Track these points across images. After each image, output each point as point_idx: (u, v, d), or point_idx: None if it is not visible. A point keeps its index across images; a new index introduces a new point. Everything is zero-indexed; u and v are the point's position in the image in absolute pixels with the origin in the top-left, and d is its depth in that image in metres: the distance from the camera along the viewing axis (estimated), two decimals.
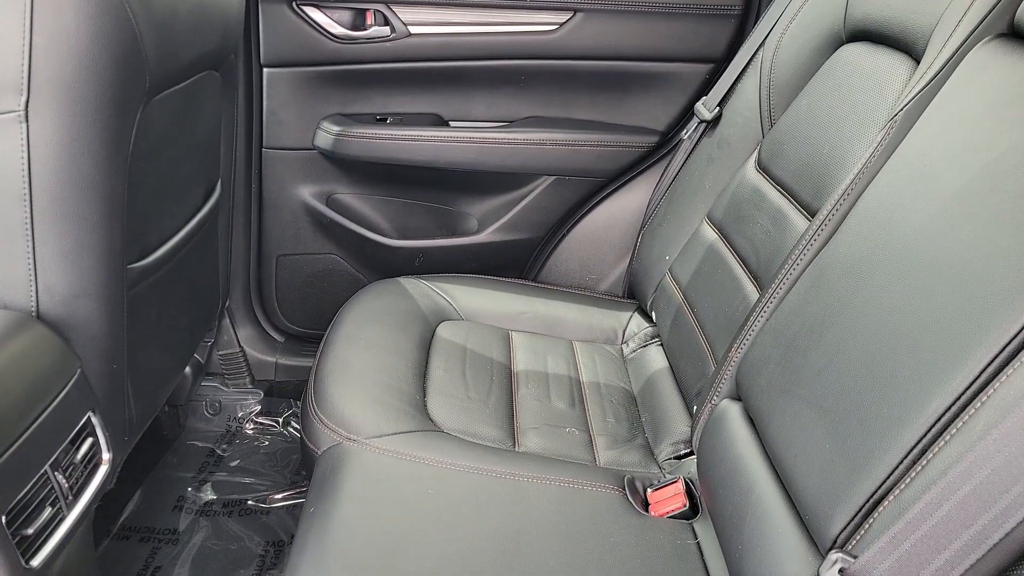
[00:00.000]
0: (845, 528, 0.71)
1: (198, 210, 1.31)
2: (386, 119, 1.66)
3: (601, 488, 1.07)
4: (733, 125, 1.43)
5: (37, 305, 0.93)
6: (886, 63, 1.09)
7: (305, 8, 1.55)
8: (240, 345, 1.78)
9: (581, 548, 0.95)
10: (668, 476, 1.13)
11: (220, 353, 1.77)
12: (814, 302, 0.90)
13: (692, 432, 1.11)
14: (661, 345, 1.45)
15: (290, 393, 1.81)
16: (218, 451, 1.71)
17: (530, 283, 1.68)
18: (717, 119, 1.48)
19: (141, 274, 1.09)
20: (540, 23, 1.57)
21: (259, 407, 1.80)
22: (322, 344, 1.32)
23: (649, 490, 1.10)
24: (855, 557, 0.67)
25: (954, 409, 0.65)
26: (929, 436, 0.67)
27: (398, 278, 1.53)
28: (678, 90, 1.63)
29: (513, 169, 1.67)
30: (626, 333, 1.56)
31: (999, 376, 0.63)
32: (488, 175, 1.69)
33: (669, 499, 1.08)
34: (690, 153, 1.52)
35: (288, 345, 1.83)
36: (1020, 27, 0.81)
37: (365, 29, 1.58)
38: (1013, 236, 0.68)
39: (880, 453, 0.70)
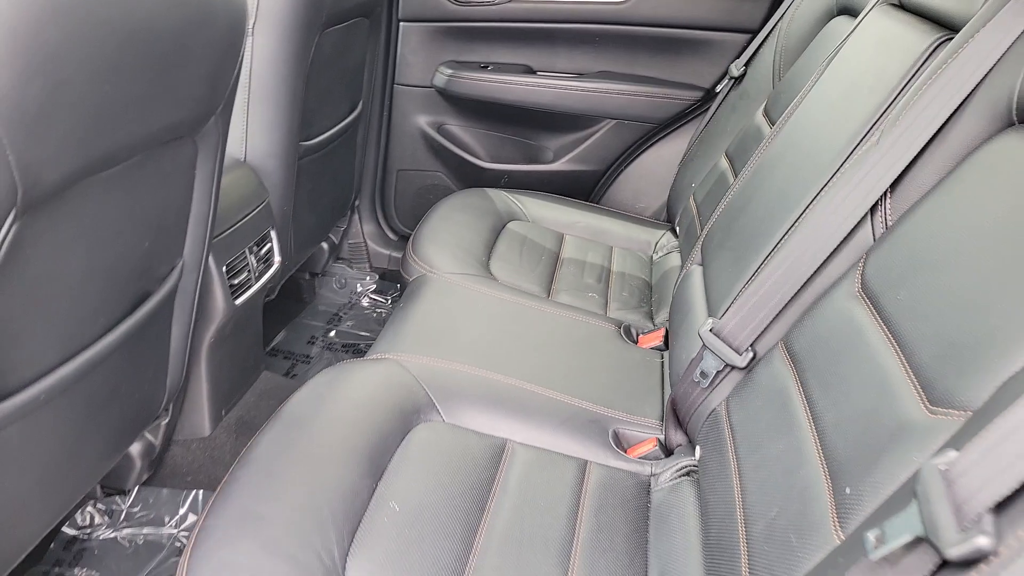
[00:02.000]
0: (726, 310, 1.11)
1: (344, 118, 1.83)
2: (487, 66, 2.12)
3: (605, 324, 1.50)
4: (753, 81, 1.80)
5: (245, 155, 1.46)
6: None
7: None
8: (364, 237, 2.31)
9: (583, 352, 1.39)
10: (656, 326, 1.55)
11: (349, 242, 2.31)
12: (749, 186, 1.29)
13: (672, 294, 1.52)
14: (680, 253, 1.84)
15: (399, 279, 2.33)
16: (341, 314, 2.25)
17: (588, 203, 2.11)
18: (743, 76, 1.85)
19: (306, 151, 1.62)
20: None
21: (374, 286, 2.33)
22: (423, 218, 1.80)
23: (640, 334, 1.52)
24: (720, 319, 1.07)
25: (790, 231, 1.05)
26: (774, 249, 1.06)
27: (485, 188, 2.00)
28: (722, 55, 2.00)
29: (583, 112, 2.10)
30: (657, 246, 1.96)
31: (810, 207, 1.02)
32: (563, 116, 2.12)
33: (652, 338, 1.50)
34: (720, 103, 1.89)
35: (399, 242, 2.35)
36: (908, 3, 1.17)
37: None
38: (846, 129, 1.05)
39: (751, 265, 1.10)
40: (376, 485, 1.00)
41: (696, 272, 1.40)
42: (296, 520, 0.89)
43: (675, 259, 1.83)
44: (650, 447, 1.20)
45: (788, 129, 1.26)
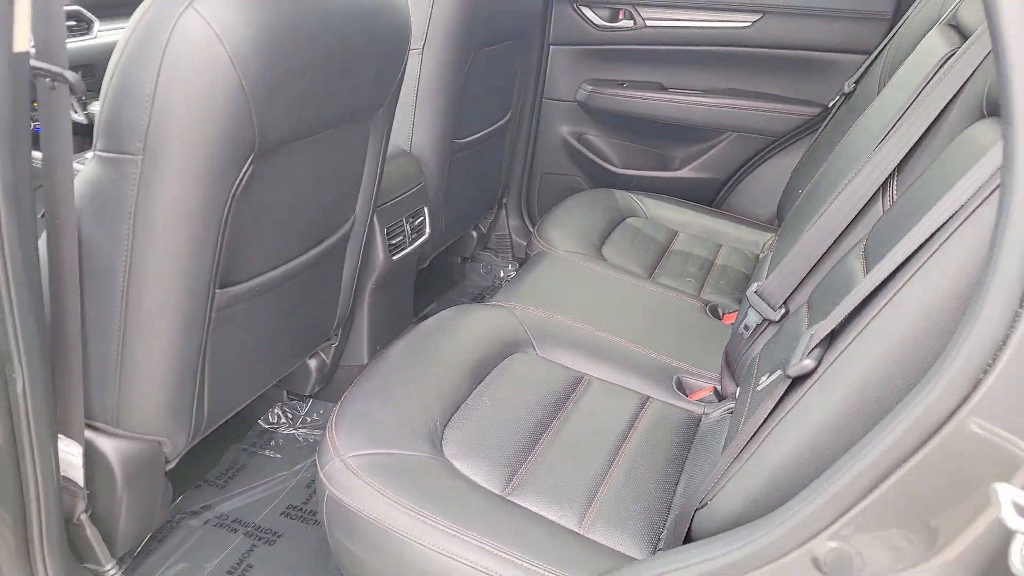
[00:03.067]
0: (770, 275, 1.32)
1: (494, 124, 2.20)
2: (624, 83, 2.41)
3: (693, 301, 1.73)
4: (860, 96, 1.94)
5: (410, 147, 1.86)
6: None
7: (581, 7, 2.37)
8: (509, 230, 2.67)
9: (666, 318, 1.64)
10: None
11: (496, 234, 2.67)
12: (817, 179, 1.48)
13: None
14: None
15: None
16: (484, 295, 2.62)
17: (707, 207, 2.32)
18: (853, 92, 1.99)
19: (459, 148, 1.99)
20: (737, 20, 2.21)
21: (514, 273, 2.68)
22: (552, 208, 2.12)
23: (725, 312, 1.74)
24: (764, 282, 1.29)
25: (826, 208, 1.25)
26: (813, 224, 1.26)
27: (611, 188, 2.29)
28: (841, 74, 2.15)
29: (708, 125, 2.33)
30: (764, 247, 2.14)
31: (843, 189, 1.21)
32: (689, 128, 2.36)
33: (735, 316, 1.70)
34: (831, 117, 2.05)
35: None
36: (955, 22, 1.33)
37: (617, 21, 2.35)
38: (879, 125, 1.24)
39: (798, 239, 1.31)
40: (475, 387, 1.32)
41: (770, 256, 1.60)
42: (412, 396, 1.23)
43: None
44: (707, 393, 1.42)
45: (853, 130, 1.45)
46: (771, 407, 0.71)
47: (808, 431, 0.66)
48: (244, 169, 1.06)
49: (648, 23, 2.31)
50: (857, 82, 2.00)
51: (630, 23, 2.33)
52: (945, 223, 0.62)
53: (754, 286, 1.30)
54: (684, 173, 2.42)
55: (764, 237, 2.16)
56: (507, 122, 2.28)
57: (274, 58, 0.99)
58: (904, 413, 0.54)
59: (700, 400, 1.41)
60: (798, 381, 0.69)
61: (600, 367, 1.46)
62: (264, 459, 1.73)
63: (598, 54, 2.42)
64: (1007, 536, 0.51)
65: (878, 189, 1.10)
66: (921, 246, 0.64)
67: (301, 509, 1.60)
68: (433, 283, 2.50)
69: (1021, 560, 0.49)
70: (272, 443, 1.78)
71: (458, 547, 0.99)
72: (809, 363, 0.67)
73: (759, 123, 2.26)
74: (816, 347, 0.68)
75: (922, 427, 0.53)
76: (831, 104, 2.09)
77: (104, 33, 1.81)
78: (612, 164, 2.50)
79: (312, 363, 1.70)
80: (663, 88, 2.39)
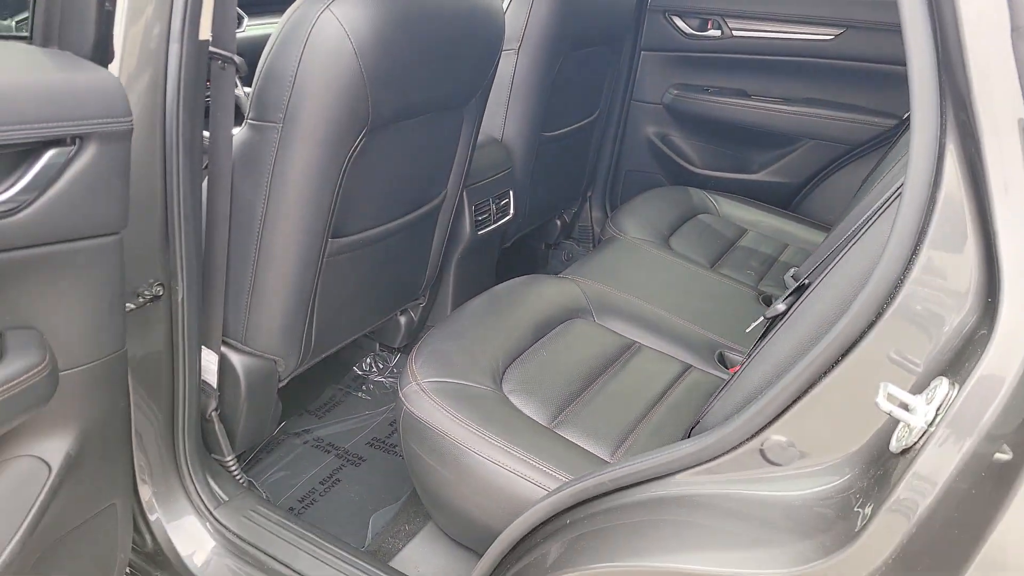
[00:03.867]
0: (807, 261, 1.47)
1: (580, 122, 2.39)
2: (708, 89, 2.56)
3: (747, 290, 1.88)
4: None
5: (502, 136, 2.09)
6: None
7: (672, 16, 2.53)
8: (591, 222, 2.85)
9: (718, 301, 1.80)
10: None
11: (579, 224, 2.87)
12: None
13: None
14: None
15: None
16: None
17: (779, 209, 2.43)
18: None
19: (546, 140, 2.21)
20: (821, 34, 2.32)
21: None
22: (629, 200, 2.30)
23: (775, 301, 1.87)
24: (801, 267, 1.44)
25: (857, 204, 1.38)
26: (846, 218, 1.40)
27: (687, 186, 2.44)
28: None
29: (786, 132, 2.44)
30: None
31: (888, 174, 1.35)
32: (769, 134, 2.48)
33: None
34: (906, 128, 2.13)
35: None
36: None
37: (706, 31, 2.50)
38: None
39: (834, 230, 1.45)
40: (536, 341, 1.53)
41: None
42: (481, 341, 1.46)
43: None
44: None
45: (903, 138, 1.56)
46: (754, 344, 0.88)
47: (776, 360, 0.83)
48: (358, 140, 1.31)
49: (735, 33, 2.45)
50: None
51: (717, 32, 2.48)
52: (887, 198, 0.78)
53: (791, 271, 1.45)
54: (761, 176, 2.54)
55: None
56: (594, 120, 2.48)
57: (388, 52, 1.24)
58: (829, 335, 0.71)
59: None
60: (775, 322, 0.86)
61: (650, 337, 1.64)
62: (356, 399, 2.00)
63: (686, 61, 2.58)
64: (893, 428, 0.67)
65: (900, 186, 1.24)
66: (870, 215, 0.80)
67: (384, 442, 1.85)
68: (517, 266, 2.72)
69: (896, 440, 0.65)
70: (364, 387, 2.05)
71: (506, 458, 1.21)
72: (781, 307, 0.84)
73: (837, 132, 2.36)
74: (790, 295, 0.84)
75: (842, 341, 0.70)
76: (905, 116, 2.17)
77: (251, 28, 2.13)
78: (693, 165, 2.65)
79: (402, 319, 1.95)
80: (746, 95, 2.52)
